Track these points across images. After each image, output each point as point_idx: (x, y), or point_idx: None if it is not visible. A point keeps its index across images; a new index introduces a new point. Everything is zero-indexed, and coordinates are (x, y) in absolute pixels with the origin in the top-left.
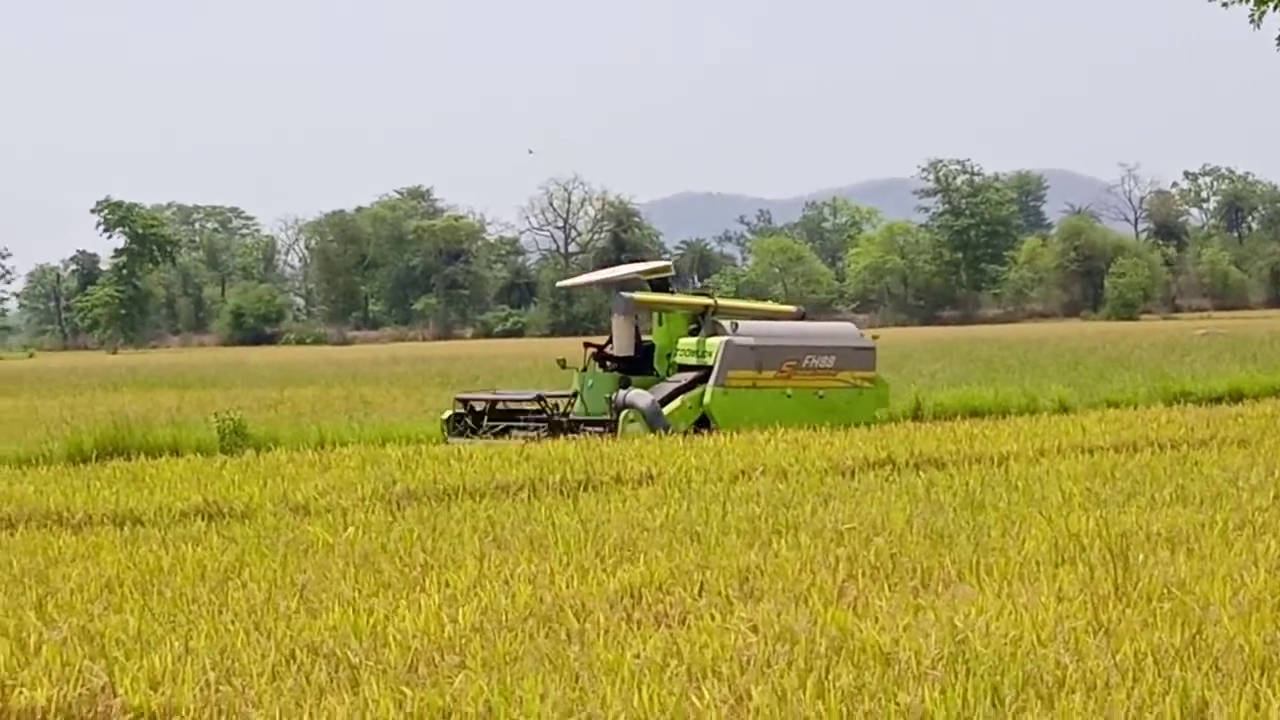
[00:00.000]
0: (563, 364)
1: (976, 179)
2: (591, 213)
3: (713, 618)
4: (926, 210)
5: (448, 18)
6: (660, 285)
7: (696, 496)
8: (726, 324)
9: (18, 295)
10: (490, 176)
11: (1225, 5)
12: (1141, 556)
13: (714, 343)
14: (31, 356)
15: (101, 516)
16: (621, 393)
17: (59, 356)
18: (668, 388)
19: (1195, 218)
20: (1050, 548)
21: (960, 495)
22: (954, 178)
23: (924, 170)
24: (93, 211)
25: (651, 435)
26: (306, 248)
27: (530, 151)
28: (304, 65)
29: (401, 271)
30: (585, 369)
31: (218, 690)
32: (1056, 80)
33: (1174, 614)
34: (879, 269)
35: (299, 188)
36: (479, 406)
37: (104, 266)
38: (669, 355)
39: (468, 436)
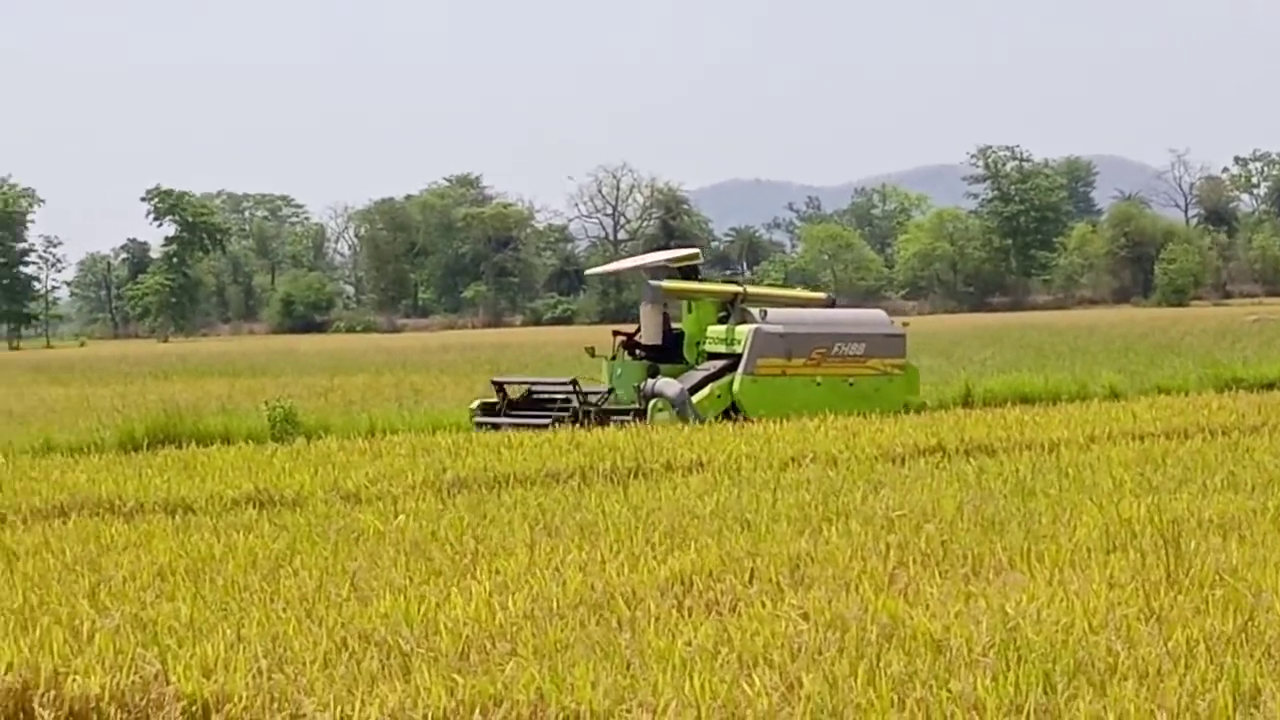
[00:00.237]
0: (592, 352)
1: (1026, 165)
2: (640, 200)
3: (763, 605)
4: (976, 196)
5: (499, 4)
6: (689, 273)
7: (747, 484)
8: (756, 311)
9: (69, 284)
10: (538, 163)
11: None
12: (1193, 543)
13: (743, 330)
14: (83, 345)
15: (153, 504)
16: (650, 381)
17: (110, 345)
18: (697, 376)
19: (1246, 203)
20: (1101, 534)
21: (1011, 482)
22: (1003, 164)
23: (973, 156)
24: (143, 200)
25: (684, 424)
26: (356, 235)
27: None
28: (354, 53)
29: (451, 259)
30: (614, 357)
31: (270, 678)
32: (1106, 65)
33: (1226, 601)
34: (928, 256)
35: (349, 175)
36: (512, 393)
37: (154, 255)
38: (698, 343)
39: (495, 416)
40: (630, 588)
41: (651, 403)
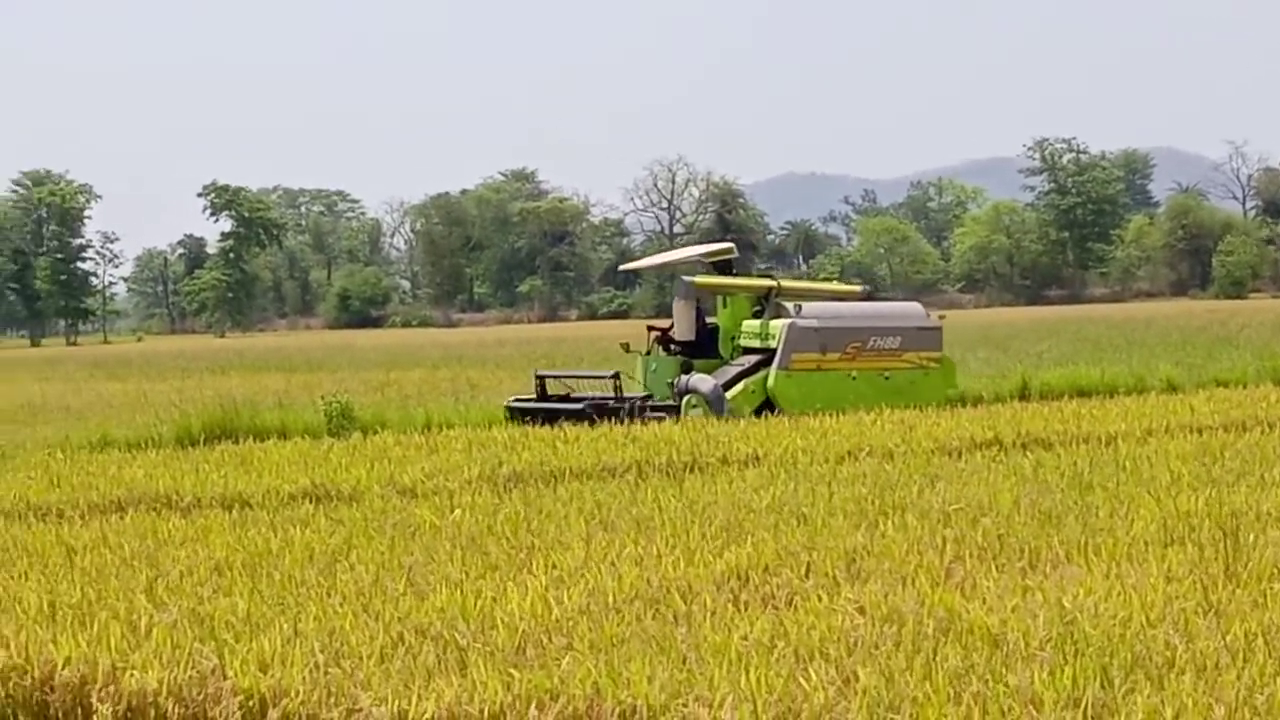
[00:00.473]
0: (626, 348)
1: (1083, 157)
2: (696, 194)
3: (820, 599)
4: (1032, 189)
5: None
6: (724, 267)
7: (803, 477)
8: (790, 306)
9: (126, 279)
10: (593, 158)
11: None
12: (1252, 536)
13: (777, 325)
14: (140, 340)
15: (210, 499)
16: (684, 377)
17: (167, 340)
18: (731, 371)
19: None
20: (1159, 528)
21: (1068, 475)
22: (1060, 156)
23: (1029, 149)
24: (199, 195)
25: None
26: (412, 230)
27: None
28: (412, 49)
29: (507, 253)
30: (649, 353)
31: (326, 672)
32: (1164, 57)
33: None
34: (985, 249)
35: (405, 170)
36: (551, 389)
37: (211, 250)
38: (734, 338)
39: (527, 403)
40: (686, 582)
41: (685, 399)
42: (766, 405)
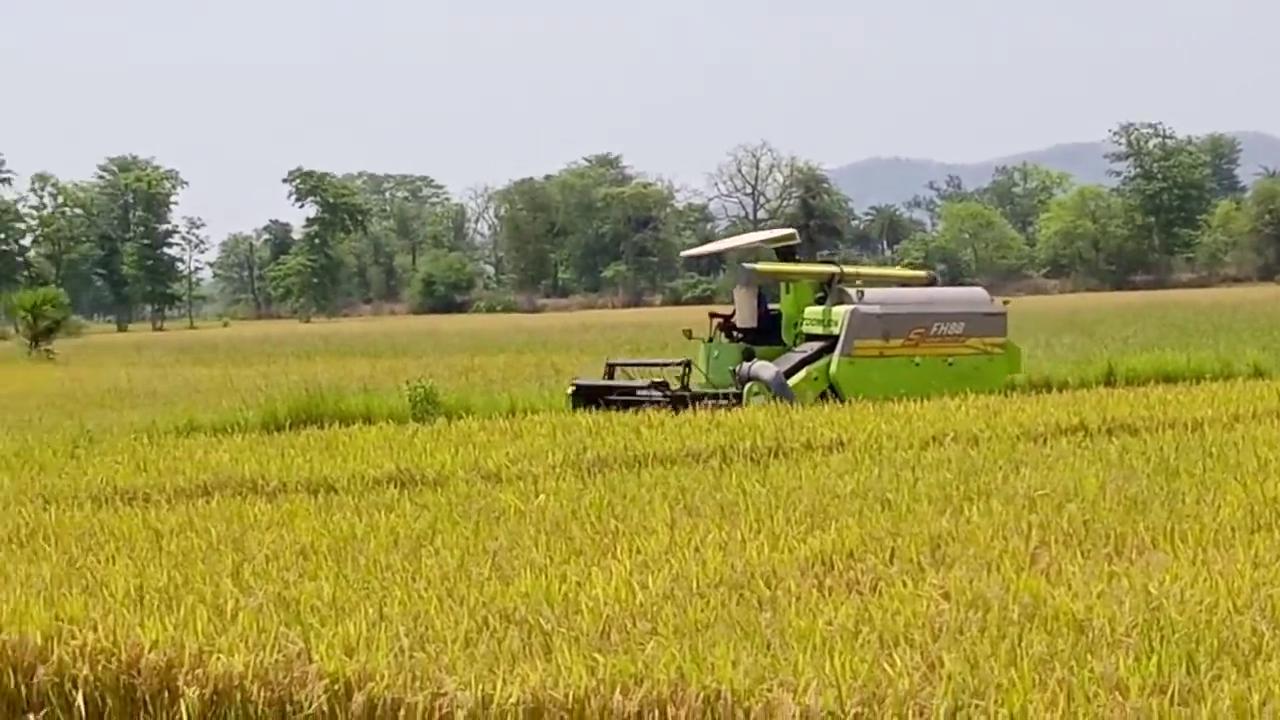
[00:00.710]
0: (689, 335)
1: (1169, 142)
2: (780, 179)
3: (904, 585)
4: (1118, 174)
5: None
6: (786, 254)
7: (887, 463)
8: (853, 292)
9: (212, 265)
10: (678, 143)
11: None
12: None
13: (840, 311)
14: (226, 325)
15: (296, 484)
16: (746, 365)
17: (253, 325)
18: (794, 358)
19: None
20: (1246, 514)
21: (1154, 461)
22: (1146, 141)
23: (1115, 134)
24: (285, 181)
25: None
26: (496, 216)
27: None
28: (496, 34)
29: (591, 239)
30: (711, 340)
31: (411, 657)
32: (1251, 41)
33: None
34: (1070, 234)
35: (488, 156)
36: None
37: (296, 236)
38: (796, 325)
39: (593, 400)
40: (770, 567)
41: (747, 386)
42: (830, 392)
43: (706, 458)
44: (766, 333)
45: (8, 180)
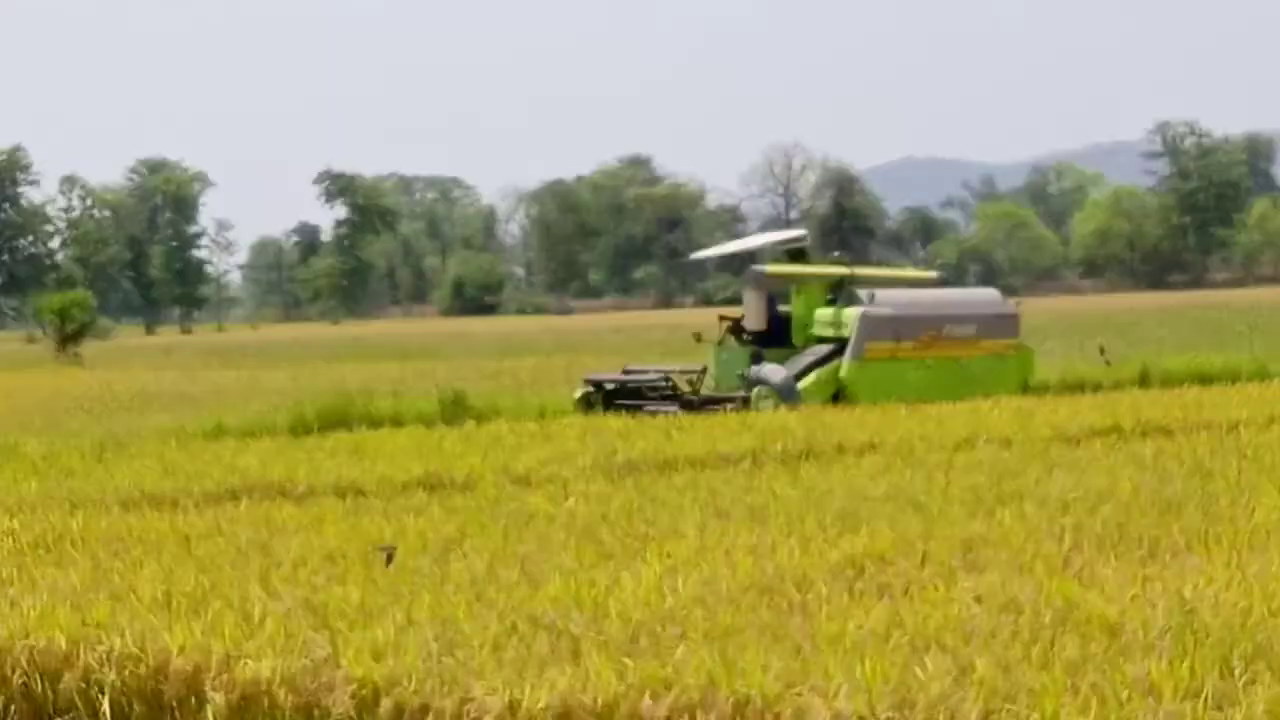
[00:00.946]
0: (698, 338)
1: (1205, 141)
2: (812, 179)
3: (936, 588)
4: (1153, 174)
5: None
6: (797, 255)
7: (919, 466)
8: (864, 294)
9: (240, 267)
10: (709, 143)
11: None
12: None
13: (850, 314)
14: (255, 329)
15: (324, 487)
16: (755, 368)
17: (281, 328)
18: (804, 361)
19: None
20: None
21: (1188, 463)
22: (1181, 140)
23: (1151, 133)
24: (314, 183)
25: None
26: (527, 217)
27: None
28: (524, 37)
29: (622, 240)
30: (721, 343)
31: (440, 661)
32: None
33: None
34: (1105, 234)
35: (519, 157)
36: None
37: (325, 238)
38: (807, 326)
39: (602, 407)
40: (801, 571)
41: (755, 389)
42: (838, 396)
43: (737, 460)
44: (776, 335)
45: (36, 183)
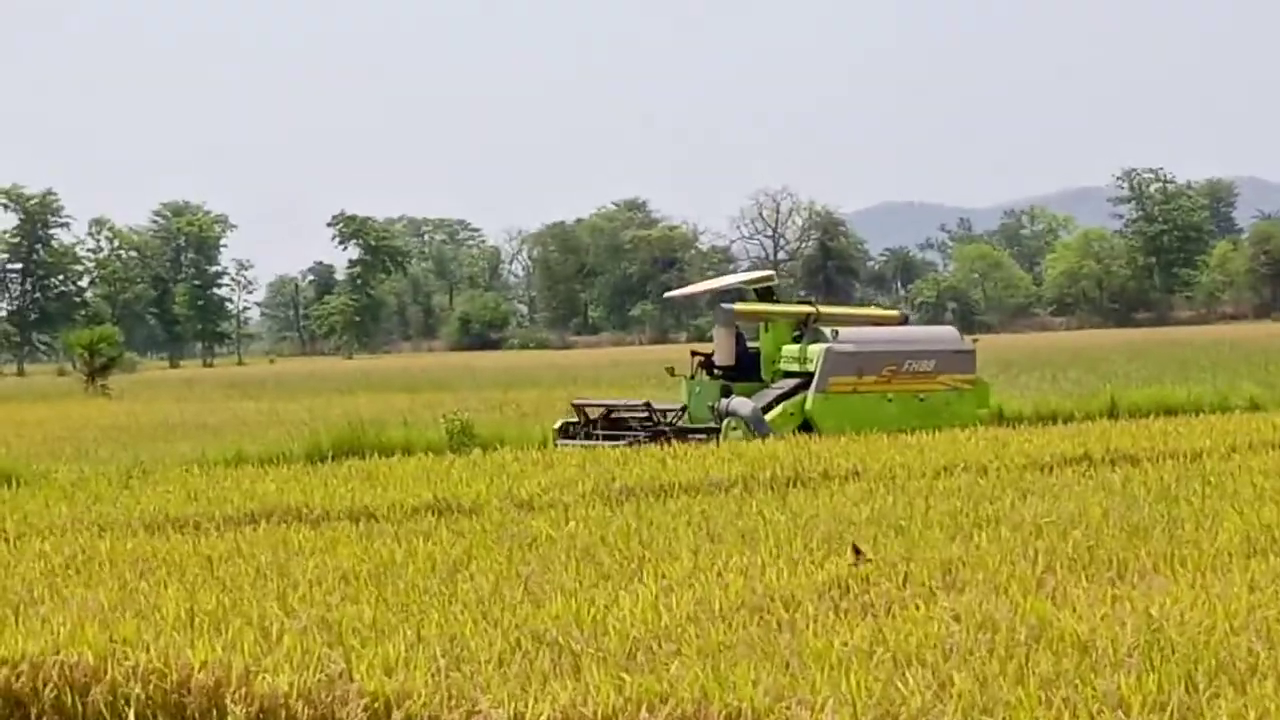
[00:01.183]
0: (671, 372)
1: (1169, 186)
2: (799, 222)
3: (917, 608)
4: (1121, 217)
5: (671, 24)
6: (765, 294)
7: (901, 491)
8: (828, 331)
9: (259, 304)
10: (701, 187)
11: None
12: None
13: (815, 349)
14: (273, 362)
15: (338, 512)
16: (724, 400)
17: (298, 362)
18: (770, 394)
19: None
20: (1242, 540)
21: (1155, 490)
22: (1147, 185)
23: (1118, 178)
24: (329, 225)
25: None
26: (529, 257)
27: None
28: (527, 83)
29: (619, 279)
30: (693, 376)
31: (448, 676)
32: (1248, 89)
33: None
34: (1075, 274)
35: (522, 201)
36: (592, 414)
37: (339, 277)
38: (774, 362)
39: (578, 439)
40: (789, 591)
41: (726, 421)
42: (805, 427)
43: (729, 487)
44: (745, 370)
45: (67, 225)
